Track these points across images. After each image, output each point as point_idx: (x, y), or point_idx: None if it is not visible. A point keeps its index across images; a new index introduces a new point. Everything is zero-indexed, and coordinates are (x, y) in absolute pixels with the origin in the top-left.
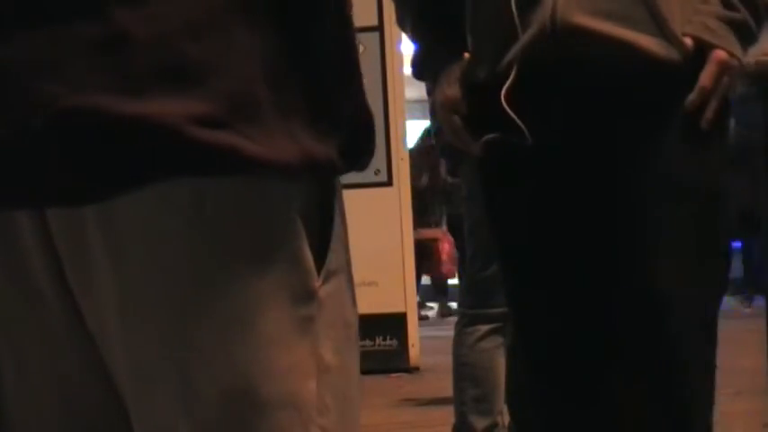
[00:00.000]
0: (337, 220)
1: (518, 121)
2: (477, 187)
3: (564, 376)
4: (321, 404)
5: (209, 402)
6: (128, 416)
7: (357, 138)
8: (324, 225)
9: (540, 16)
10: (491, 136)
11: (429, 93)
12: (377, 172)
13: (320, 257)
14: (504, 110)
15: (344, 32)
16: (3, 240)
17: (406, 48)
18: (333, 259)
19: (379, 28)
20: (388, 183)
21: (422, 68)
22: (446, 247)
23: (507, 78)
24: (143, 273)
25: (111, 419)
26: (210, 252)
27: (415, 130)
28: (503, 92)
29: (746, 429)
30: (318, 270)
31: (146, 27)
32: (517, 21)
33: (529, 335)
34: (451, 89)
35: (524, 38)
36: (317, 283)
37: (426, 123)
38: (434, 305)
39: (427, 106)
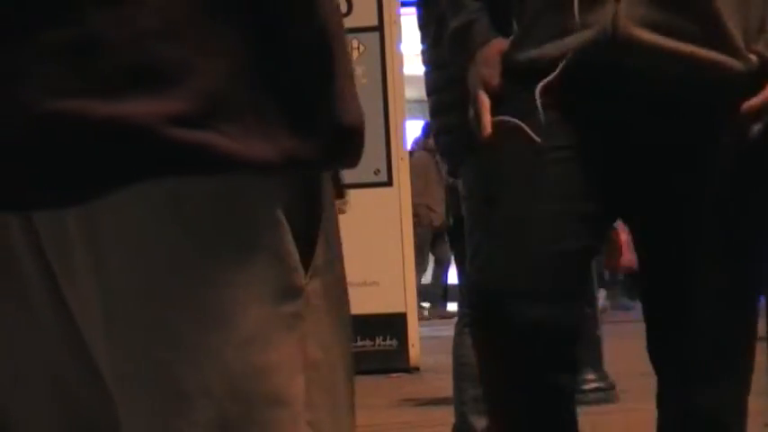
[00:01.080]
0: (325, 215)
1: (541, 119)
2: (479, 180)
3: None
4: (309, 400)
5: (194, 402)
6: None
7: (342, 136)
8: (310, 221)
9: (602, 18)
10: (504, 118)
11: (429, 93)
12: (377, 172)
13: (307, 254)
14: (535, 102)
15: (325, 28)
16: None
17: (406, 48)
18: (320, 255)
19: (379, 28)
20: (389, 183)
21: (461, 38)
22: (623, 236)
23: (549, 72)
24: (124, 274)
25: (108, 419)
26: (190, 252)
27: (415, 130)
28: (540, 85)
29: (747, 429)
30: (305, 266)
31: (118, 29)
32: (577, 15)
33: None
34: (491, 70)
35: (580, 36)
36: (303, 279)
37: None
38: (426, 305)
39: (427, 106)
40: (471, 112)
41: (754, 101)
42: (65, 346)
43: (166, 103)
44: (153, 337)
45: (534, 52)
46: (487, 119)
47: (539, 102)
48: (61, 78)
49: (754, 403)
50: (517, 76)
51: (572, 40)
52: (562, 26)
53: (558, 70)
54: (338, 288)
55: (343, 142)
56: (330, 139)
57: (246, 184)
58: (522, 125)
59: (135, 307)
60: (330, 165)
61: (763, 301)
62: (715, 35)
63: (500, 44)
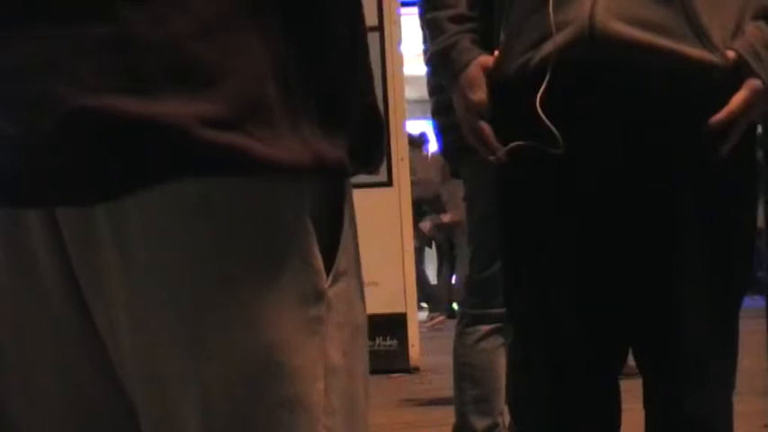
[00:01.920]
0: (347, 221)
1: (553, 129)
2: (490, 188)
3: (568, 379)
4: (328, 405)
5: (217, 402)
6: (134, 413)
7: (367, 141)
8: (333, 226)
9: (578, 18)
10: (519, 144)
11: (431, 93)
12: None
13: (329, 258)
14: (536, 114)
15: (354, 33)
16: (12, 239)
17: (406, 48)
18: (342, 260)
19: (379, 28)
20: (388, 183)
21: (442, 62)
22: None
23: (538, 78)
24: (151, 273)
25: (117, 416)
26: (218, 252)
27: (414, 129)
28: (537, 97)
29: (747, 430)
30: (327, 271)
31: (154, 28)
32: (551, 18)
33: (530, 337)
34: (478, 94)
35: (559, 38)
36: (325, 283)
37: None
38: (425, 305)
39: (427, 106)
40: (472, 139)
41: (719, 117)
42: (80, 345)
43: (201, 105)
44: (178, 337)
45: (520, 61)
46: (498, 148)
47: (543, 116)
48: (98, 75)
49: (754, 403)
50: (508, 88)
51: (551, 43)
52: (542, 31)
53: (546, 78)
54: (357, 293)
55: (369, 146)
56: (357, 141)
57: (276, 187)
58: (540, 145)
59: (161, 306)
60: (355, 168)
61: (763, 301)
62: (692, 31)
63: (483, 61)
